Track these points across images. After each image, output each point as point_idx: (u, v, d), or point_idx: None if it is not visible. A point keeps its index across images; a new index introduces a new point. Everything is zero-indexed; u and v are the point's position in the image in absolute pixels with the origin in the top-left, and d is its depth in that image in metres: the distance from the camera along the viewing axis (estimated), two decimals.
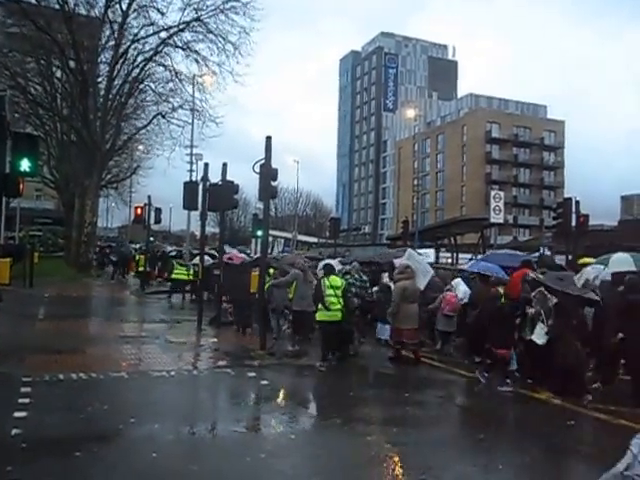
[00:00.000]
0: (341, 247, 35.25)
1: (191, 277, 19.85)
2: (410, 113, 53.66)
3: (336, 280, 10.11)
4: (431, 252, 19.12)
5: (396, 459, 5.72)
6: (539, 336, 8.31)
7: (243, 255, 23.54)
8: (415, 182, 48.85)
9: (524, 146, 78.42)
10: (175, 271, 20.55)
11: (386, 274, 12.69)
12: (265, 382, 8.74)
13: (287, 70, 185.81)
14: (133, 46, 27.94)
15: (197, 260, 18.04)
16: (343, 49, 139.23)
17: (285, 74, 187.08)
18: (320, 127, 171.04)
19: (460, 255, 25.81)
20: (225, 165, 13.65)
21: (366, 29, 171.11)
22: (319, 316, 10.01)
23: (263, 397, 8.15)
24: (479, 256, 20.05)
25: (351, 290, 10.93)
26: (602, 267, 9.83)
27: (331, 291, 9.84)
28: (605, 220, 36.00)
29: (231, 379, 9.04)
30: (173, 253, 30.05)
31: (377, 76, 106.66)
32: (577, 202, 20.17)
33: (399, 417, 7.23)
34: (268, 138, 11.02)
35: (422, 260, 12.37)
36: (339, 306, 9.85)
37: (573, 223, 19.91)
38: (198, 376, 9.19)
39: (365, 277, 12.40)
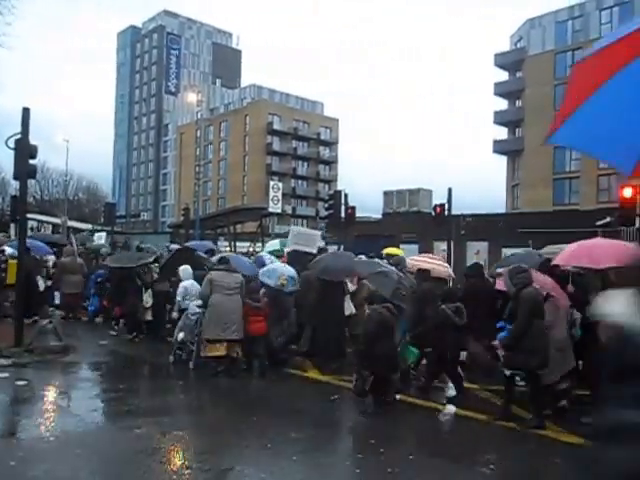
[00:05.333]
0: (120, 235, 33.04)
1: None
2: (192, 98, 52.81)
3: None
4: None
5: (166, 449, 5.60)
6: None
7: None
8: (197, 169, 48.18)
9: (303, 140, 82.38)
10: None
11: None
12: (22, 382, 7.91)
13: (59, 41, 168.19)
14: None
15: None
16: (122, 23, 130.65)
17: (57, 45, 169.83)
18: (96, 105, 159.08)
19: (238, 244, 26.23)
20: None
21: (146, 5, 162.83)
22: None
23: (18, 400, 7.34)
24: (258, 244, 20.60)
25: None
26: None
27: None
28: (373, 212, 40.51)
29: None
30: None
31: (158, 56, 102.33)
32: (346, 195, 22.04)
33: (171, 406, 7.09)
34: (25, 110, 9.90)
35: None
36: None
37: (343, 214, 21.71)
38: None
39: None
